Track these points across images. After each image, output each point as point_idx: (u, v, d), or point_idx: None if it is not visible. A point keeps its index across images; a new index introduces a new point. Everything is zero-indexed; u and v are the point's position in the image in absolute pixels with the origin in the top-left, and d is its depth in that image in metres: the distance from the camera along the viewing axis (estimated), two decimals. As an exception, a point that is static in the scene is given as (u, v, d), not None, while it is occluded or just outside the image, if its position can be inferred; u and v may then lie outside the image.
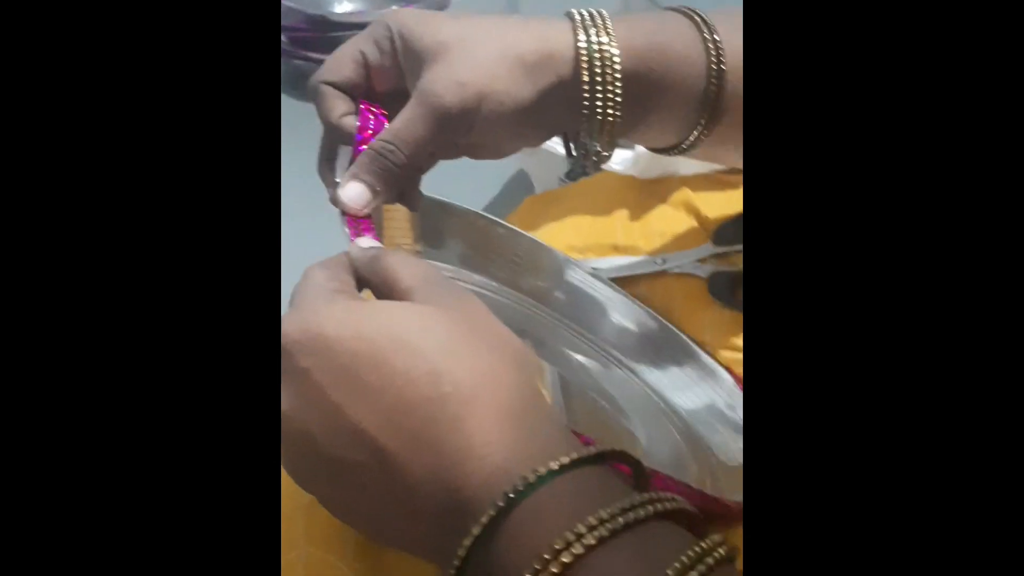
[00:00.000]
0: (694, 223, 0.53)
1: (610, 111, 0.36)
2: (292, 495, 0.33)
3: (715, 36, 0.37)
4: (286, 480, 0.29)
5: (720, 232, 0.52)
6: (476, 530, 0.24)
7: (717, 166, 0.55)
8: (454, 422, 0.25)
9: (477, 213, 0.47)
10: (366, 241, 0.33)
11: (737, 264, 0.51)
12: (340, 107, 0.38)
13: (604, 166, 0.57)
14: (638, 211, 0.54)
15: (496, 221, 0.49)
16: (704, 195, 0.53)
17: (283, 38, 1.03)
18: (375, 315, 0.28)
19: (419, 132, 0.35)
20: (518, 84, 0.35)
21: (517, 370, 0.28)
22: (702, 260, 0.51)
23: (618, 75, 0.36)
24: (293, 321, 0.28)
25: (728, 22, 0.38)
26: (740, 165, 0.46)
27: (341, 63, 0.38)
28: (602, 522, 0.23)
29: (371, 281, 0.31)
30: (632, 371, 0.47)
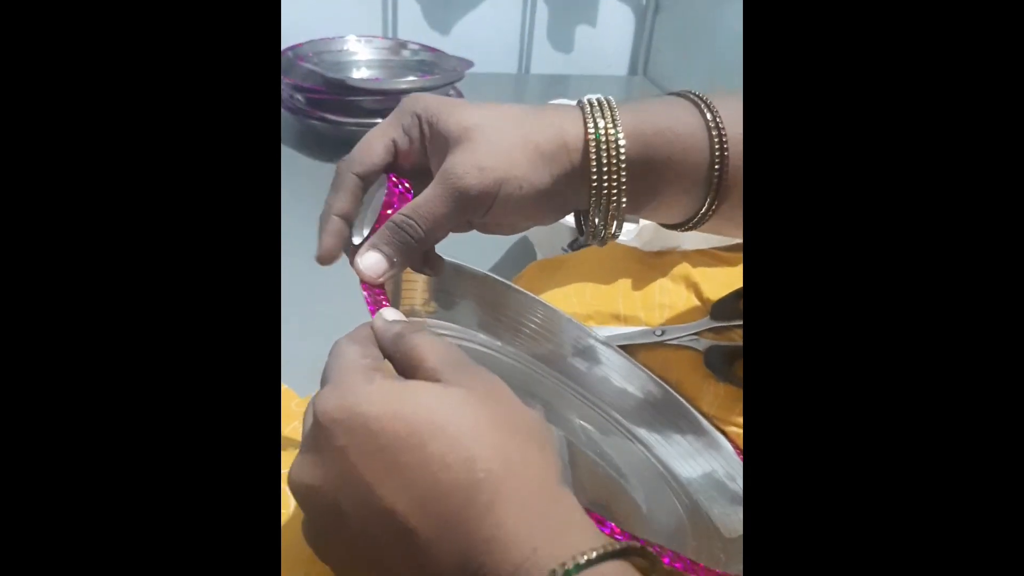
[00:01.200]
0: (693, 297, 0.54)
1: (615, 195, 0.39)
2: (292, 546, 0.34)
3: (717, 118, 0.39)
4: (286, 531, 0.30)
5: (718, 307, 0.53)
6: None
7: (716, 242, 0.57)
8: (487, 508, 0.26)
9: (490, 276, 0.48)
10: (391, 313, 0.34)
11: (733, 339, 0.52)
12: (345, 200, 0.39)
13: (609, 238, 0.60)
14: (640, 282, 0.56)
15: (509, 285, 0.50)
16: (703, 271, 0.55)
17: (301, 98, 1.07)
18: (412, 397, 0.28)
19: (439, 211, 0.37)
20: (536, 171, 0.38)
21: (540, 452, 0.28)
22: (699, 334, 0.52)
23: (623, 161, 0.38)
24: (331, 398, 0.28)
25: (729, 104, 0.40)
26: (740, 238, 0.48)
27: (372, 151, 0.40)
28: None
29: (394, 358, 0.32)
30: (636, 438, 0.48)
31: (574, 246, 0.74)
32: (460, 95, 1.18)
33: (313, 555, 0.29)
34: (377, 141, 0.40)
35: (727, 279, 0.54)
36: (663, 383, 0.50)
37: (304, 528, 0.30)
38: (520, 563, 0.25)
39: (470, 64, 1.15)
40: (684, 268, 0.55)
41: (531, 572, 0.25)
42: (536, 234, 0.80)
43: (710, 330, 0.52)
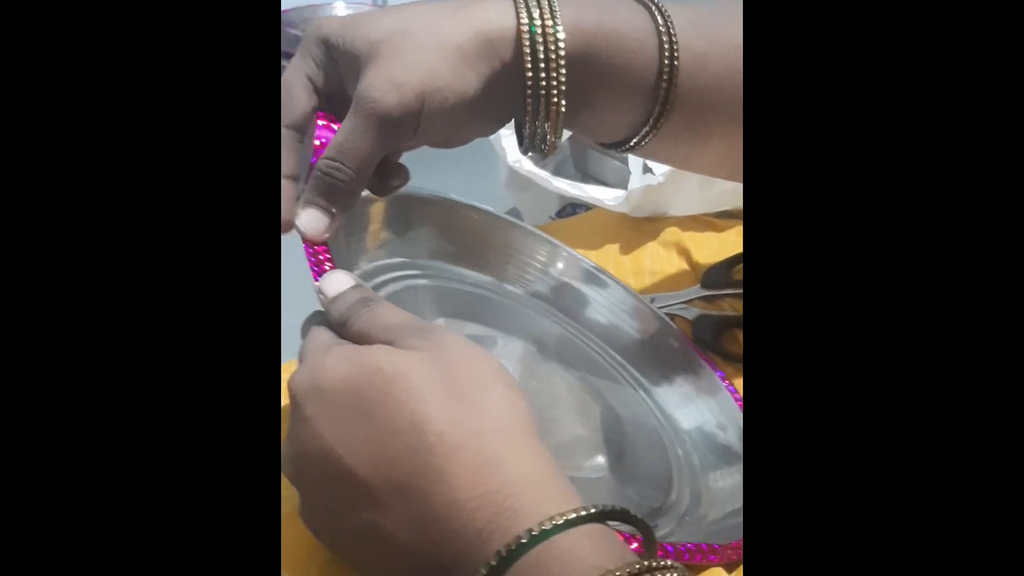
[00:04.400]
0: (683, 264, 0.53)
1: (555, 95, 0.34)
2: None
3: (671, 29, 0.35)
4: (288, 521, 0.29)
5: (708, 275, 0.52)
6: (483, 570, 0.23)
7: (707, 208, 0.55)
8: (439, 473, 0.25)
9: (451, 199, 0.43)
10: (333, 283, 0.32)
11: (723, 308, 0.51)
12: (288, 159, 0.35)
13: (597, 203, 0.58)
14: (629, 248, 0.55)
15: (473, 206, 0.45)
16: (694, 236, 0.54)
17: (288, 65, 1.04)
18: (365, 360, 0.28)
19: (362, 144, 0.33)
20: (459, 77, 0.33)
21: (503, 409, 0.27)
22: (689, 302, 0.51)
23: (563, 58, 0.34)
24: (299, 373, 0.29)
25: (685, 15, 0.36)
26: (689, 168, 0.45)
27: (292, 97, 0.35)
28: None
29: (348, 338, 0.31)
30: (621, 366, 0.46)
31: (562, 215, 0.73)
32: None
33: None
34: (294, 85, 0.35)
35: (718, 246, 0.53)
36: (659, 313, 0.48)
37: (298, 506, 0.29)
38: (481, 527, 0.24)
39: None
40: (675, 233, 0.54)
41: (493, 538, 0.24)
42: (523, 203, 0.78)
43: (700, 298, 0.51)
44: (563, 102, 0.34)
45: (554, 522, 0.24)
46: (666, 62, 0.35)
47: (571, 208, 0.71)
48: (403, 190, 0.37)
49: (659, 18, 0.35)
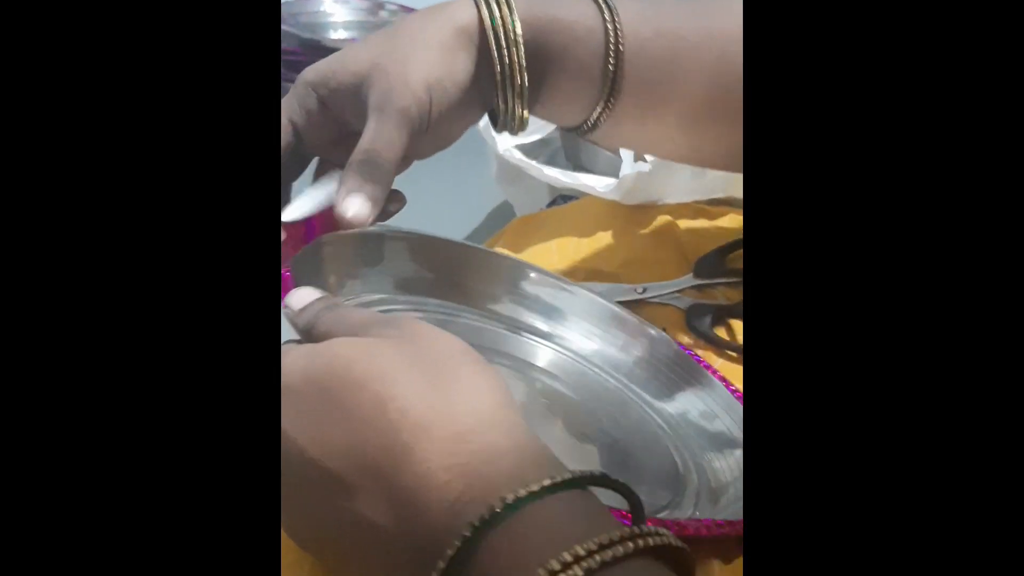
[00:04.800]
0: (675, 253, 0.53)
1: (518, 72, 0.40)
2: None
3: (616, 18, 0.40)
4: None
5: (701, 264, 0.52)
6: (442, 564, 0.23)
7: (699, 195, 0.55)
8: (406, 451, 0.24)
9: (419, 234, 0.45)
10: (297, 296, 0.32)
11: (716, 297, 0.51)
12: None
13: (589, 191, 0.58)
14: (621, 236, 0.55)
15: (439, 239, 0.46)
16: (686, 224, 0.54)
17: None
18: (324, 351, 0.27)
19: (392, 135, 0.37)
20: (450, 66, 0.39)
21: (480, 387, 0.27)
22: (681, 291, 0.51)
23: (520, 44, 0.39)
24: None
25: (639, 12, 0.41)
26: (652, 153, 0.51)
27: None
28: (578, 559, 0.21)
29: (314, 342, 0.30)
30: (609, 375, 0.45)
31: (554, 206, 0.73)
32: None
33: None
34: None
35: (711, 234, 0.53)
36: (630, 313, 0.47)
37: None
38: (454, 501, 0.24)
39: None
40: (667, 222, 0.54)
41: (467, 509, 0.23)
42: (515, 196, 0.78)
43: (693, 287, 0.51)
44: (525, 77, 0.40)
45: (530, 489, 0.23)
46: (611, 47, 0.40)
47: (562, 200, 0.71)
48: (374, 227, 0.39)
49: (606, 10, 0.41)
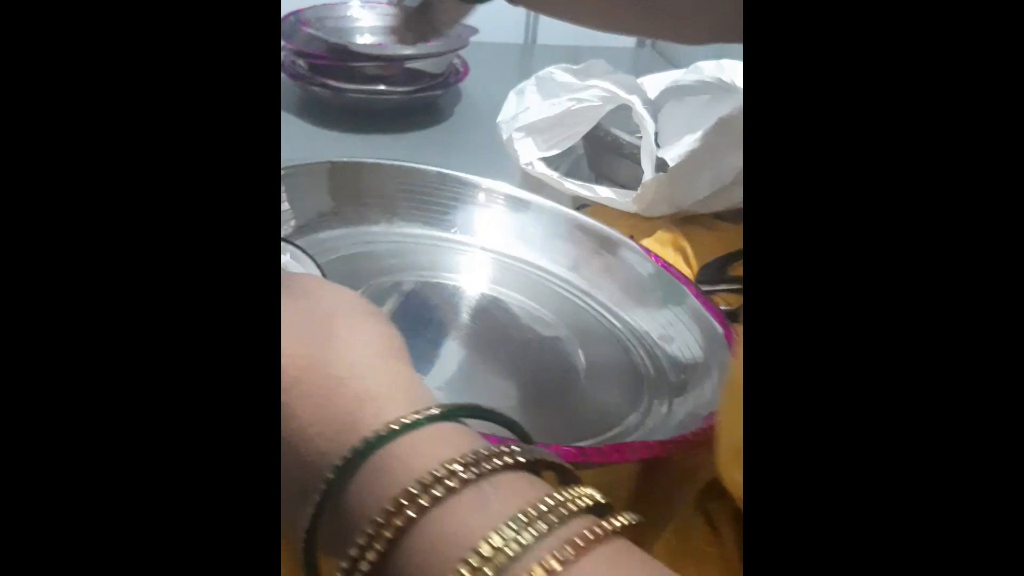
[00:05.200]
0: (679, 261, 0.55)
1: None
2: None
3: None
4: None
5: (704, 272, 0.54)
6: (311, 510, 0.23)
7: (719, 208, 0.56)
8: (287, 411, 0.25)
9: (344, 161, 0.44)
10: None
11: (717, 303, 0.52)
12: None
13: (608, 203, 0.60)
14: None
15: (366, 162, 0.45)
16: (689, 233, 0.55)
17: (303, 64, 1.07)
18: None
19: None
20: None
21: (360, 337, 0.27)
22: (685, 296, 0.52)
23: None
24: None
25: None
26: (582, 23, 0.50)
27: None
28: (451, 474, 0.21)
29: None
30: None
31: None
32: (464, 63, 1.18)
33: None
34: None
35: (713, 243, 0.54)
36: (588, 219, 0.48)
37: None
38: (326, 451, 0.24)
39: (475, 31, 1.14)
40: (672, 231, 0.56)
41: (335, 457, 0.23)
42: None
43: (696, 293, 0.52)
44: None
45: (391, 427, 0.23)
46: None
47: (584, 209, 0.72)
48: (347, 158, 0.38)
49: None
